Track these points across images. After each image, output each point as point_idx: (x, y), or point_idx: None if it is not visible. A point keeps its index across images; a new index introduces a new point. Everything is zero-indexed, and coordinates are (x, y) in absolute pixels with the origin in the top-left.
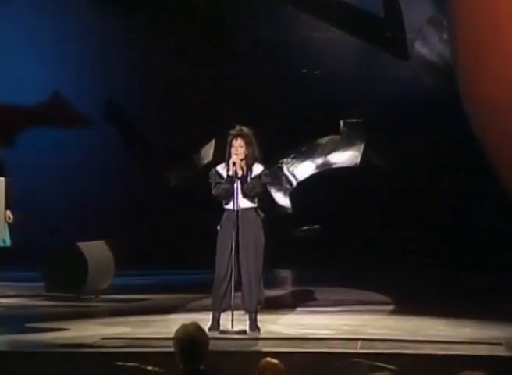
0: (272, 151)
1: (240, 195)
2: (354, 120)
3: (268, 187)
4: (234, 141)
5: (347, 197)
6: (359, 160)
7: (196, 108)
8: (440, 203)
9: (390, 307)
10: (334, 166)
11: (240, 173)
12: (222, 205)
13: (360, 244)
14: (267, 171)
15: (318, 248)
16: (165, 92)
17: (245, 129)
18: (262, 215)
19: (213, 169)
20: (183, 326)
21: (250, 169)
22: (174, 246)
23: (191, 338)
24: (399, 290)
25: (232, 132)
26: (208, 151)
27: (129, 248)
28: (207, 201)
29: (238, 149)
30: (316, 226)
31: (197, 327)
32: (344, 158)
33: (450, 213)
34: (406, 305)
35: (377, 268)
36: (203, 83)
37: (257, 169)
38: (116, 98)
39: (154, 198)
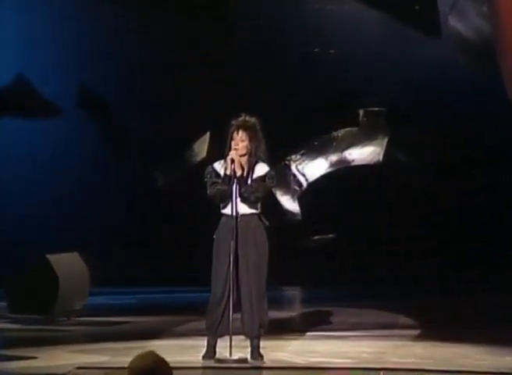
0: (278, 145)
1: (239, 199)
2: (376, 109)
3: (273, 189)
4: (235, 134)
5: (367, 201)
6: (381, 157)
7: (188, 96)
8: (487, 208)
9: (416, 331)
10: (352, 164)
11: (238, 173)
12: (219, 209)
13: (381, 259)
14: (273, 172)
15: (332, 262)
16: (151, 77)
17: (251, 119)
18: (266, 222)
19: (210, 167)
20: (139, 357)
21: (252, 168)
22: (161, 259)
23: (149, 370)
24: (425, 310)
25: (234, 122)
26: (202, 146)
27: (107, 261)
28: (200, 205)
29: (239, 143)
30: (330, 236)
31: (156, 357)
32: (364, 154)
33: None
34: (434, 329)
35: (400, 286)
36: (196, 66)
37: (262, 169)
38: (92, 85)
39: (137, 201)
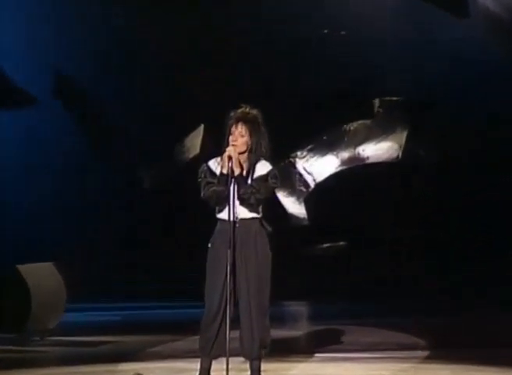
0: (282, 140)
1: (237, 201)
2: (394, 99)
3: (277, 191)
4: (234, 127)
5: (384, 204)
6: (400, 153)
7: (180, 84)
8: None
9: (439, 351)
10: (366, 162)
11: (237, 172)
12: (214, 213)
13: (401, 272)
14: (276, 171)
15: (343, 273)
16: (139, 64)
17: (252, 111)
18: (269, 228)
19: (204, 165)
20: None
21: (252, 166)
22: (147, 270)
23: None
24: (447, 329)
25: (233, 114)
26: (195, 142)
27: (86, 273)
28: (193, 208)
29: (237, 138)
30: (341, 244)
31: None
32: (380, 150)
33: None
34: (460, 349)
35: (420, 301)
36: (190, 50)
37: (263, 167)
38: (69, 73)
39: (121, 204)
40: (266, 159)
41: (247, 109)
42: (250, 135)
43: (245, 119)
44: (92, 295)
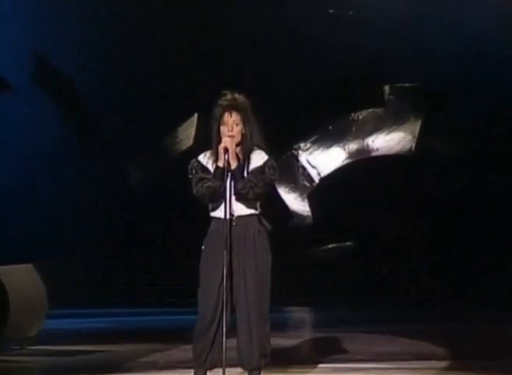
0: (284, 131)
1: (233, 197)
2: (407, 85)
3: (278, 186)
4: (227, 116)
5: (395, 201)
6: (413, 145)
7: (170, 70)
8: None
9: (456, 362)
10: (375, 154)
11: (234, 165)
12: (207, 211)
13: (411, 273)
14: (273, 161)
15: (349, 277)
16: (124, 46)
17: (240, 98)
18: (268, 226)
19: (194, 161)
20: None
21: (248, 157)
22: (138, 273)
23: None
24: (465, 336)
25: (221, 102)
26: (188, 132)
27: (69, 276)
28: (184, 206)
29: (233, 128)
30: (348, 244)
31: None
32: (391, 141)
33: None
34: (478, 360)
35: (433, 307)
36: (182, 31)
37: (259, 158)
38: (50, 59)
39: (107, 200)
40: (261, 149)
41: (235, 95)
42: (244, 123)
43: (237, 107)
44: (77, 300)
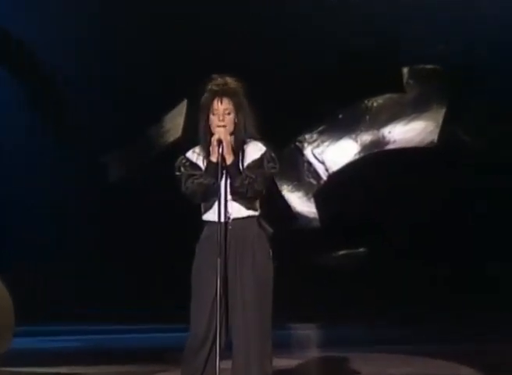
0: (286, 120)
1: (229, 196)
2: (428, 67)
3: (280, 183)
4: (216, 103)
5: (415, 201)
6: (437, 136)
7: (155, 49)
8: None
9: None
10: (392, 147)
11: (229, 160)
12: (199, 213)
13: (431, 283)
14: (271, 152)
15: (362, 288)
16: (102, 26)
17: (232, 82)
18: (269, 230)
19: (182, 157)
20: None
21: (242, 150)
22: (119, 285)
23: None
24: (492, 355)
25: (210, 87)
26: (176, 121)
27: (39, 288)
28: (172, 207)
29: (225, 117)
30: (360, 251)
31: None
32: (411, 132)
33: None
34: None
35: (459, 321)
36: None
37: (255, 149)
38: (17, 35)
39: (82, 201)
40: (256, 139)
41: (227, 79)
42: (237, 111)
43: (228, 92)
44: (48, 316)
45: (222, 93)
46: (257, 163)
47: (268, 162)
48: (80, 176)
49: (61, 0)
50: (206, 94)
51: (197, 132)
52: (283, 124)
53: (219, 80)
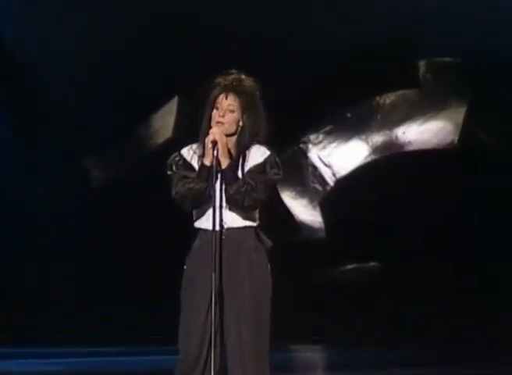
0: (288, 119)
1: (224, 204)
2: (447, 60)
3: (281, 190)
4: (222, 99)
5: (433, 208)
6: (457, 137)
7: (143, 42)
8: None
9: None
10: (407, 149)
11: (224, 163)
12: (191, 219)
13: (450, 301)
14: (276, 158)
15: (373, 306)
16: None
17: (247, 79)
18: (269, 242)
19: (176, 155)
20: None
21: (243, 154)
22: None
23: None
24: None
25: (219, 81)
26: (166, 120)
27: (7, 307)
28: (161, 214)
29: (225, 115)
30: (371, 265)
31: None
32: (428, 133)
33: None
34: None
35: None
36: None
37: (258, 154)
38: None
39: (60, 210)
40: (262, 143)
41: (242, 76)
42: (243, 111)
43: (237, 89)
44: (17, 337)
45: (229, 88)
46: (259, 168)
47: (272, 167)
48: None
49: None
50: (215, 88)
51: (192, 129)
52: (285, 124)
53: (232, 76)
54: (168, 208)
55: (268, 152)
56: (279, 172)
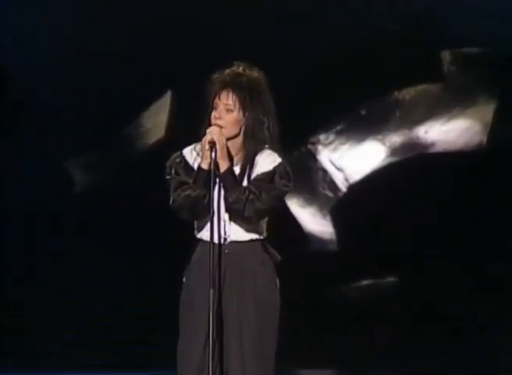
0: (295, 117)
1: (225, 214)
2: (474, 50)
3: (287, 196)
4: (223, 96)
5: (459, 216)
6: (486, 137)
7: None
8: None
9: None
10: (430, 151)
11: (223, 167)
12: (191, 229)
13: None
14: (287, 167)
15: (390, 326)
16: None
17: (251, 72)
18: (278, 256)
19: (177, 155)
20: None
21: (250, 159)
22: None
23: None
24: None
25: (219, 76)
26: (158, 119)
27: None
28: (154, 223)
29: (222, 115)
30: (388, 281)
31: None
32: (452, 132)
33: None
34: None
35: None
36: None
37: (267, 161)
38: None
39: (35, 214)
40: (272, 149)
41: (244, 70)
42: (245, 110)
43: (239, 84)
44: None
45: (229, 84)
46: (267, 177)
47: (281, 177)
48: (37, 182)
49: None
50: (214, 84)
51: (187, 128)
52: (291, 122)
53: (228, 70)
54: (169, 208)
55: (278, 160)
56: (289, 183)
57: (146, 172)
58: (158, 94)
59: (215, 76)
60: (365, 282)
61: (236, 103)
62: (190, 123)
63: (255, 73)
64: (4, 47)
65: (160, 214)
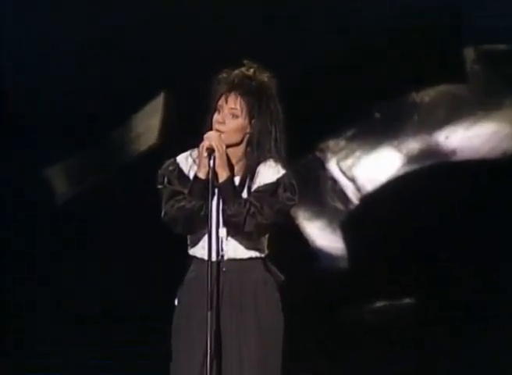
0: (302, 121)
1: (223, 229)
2: (500, 47)
3: (293, 209)
4: (229, 99)
5: (483, 231)
6: None
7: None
8: None
9: None
10: (451, 158)
11: (222, 176)
12: (185, 244)
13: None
14: (292, 179)
15: (408, 351)
16: None
17: (260, 75)
18: (280, 276)
19: (170, 163)
20: None
21: (252, 169)
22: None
23: None
24: None
25: (224, 77)
26: (151, 122)
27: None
28: (146, 235)
29: (226, 119)
30: (406, 302)
31: None
32: (477, 138)
33: None
34: None
35: None
36: None
37: (270, 171)
38: None
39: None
40: (277, 159)
41: (251, 71)
42: (251, 116)
43: (246, 89)
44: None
45: (236, 87)
46: (269, 189)
47: (285, 190)
48: (18, 191)
49: None
50: (217, 86)
51: (183, 132)
52: (297, 127)
53: (237, 71)
54: None
55: (282, 171)
56: (294, 197)
57: (146, 172)
58: (157, 95)
59: (223, 75)
60: (379, 304)
61: (244, 109)
62: (189, 125)
63: (265, 77)
64: (3, 47)
65: (160, 214)
